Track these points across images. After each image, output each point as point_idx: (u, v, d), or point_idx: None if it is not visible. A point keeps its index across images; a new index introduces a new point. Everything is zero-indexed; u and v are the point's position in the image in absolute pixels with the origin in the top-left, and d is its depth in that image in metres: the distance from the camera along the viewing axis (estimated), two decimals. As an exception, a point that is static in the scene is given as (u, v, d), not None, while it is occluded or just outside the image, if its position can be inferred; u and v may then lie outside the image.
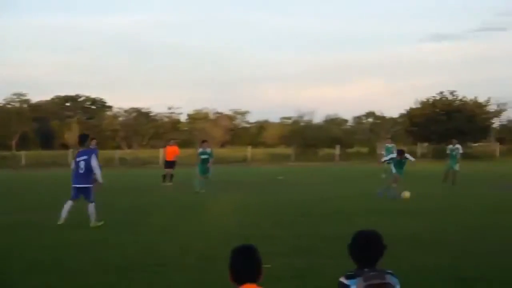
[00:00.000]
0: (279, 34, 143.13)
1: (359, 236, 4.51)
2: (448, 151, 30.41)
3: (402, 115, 69.20)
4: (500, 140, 70.52)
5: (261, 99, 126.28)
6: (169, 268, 10.37)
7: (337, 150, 62.63)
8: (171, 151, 31.11)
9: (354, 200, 21.19)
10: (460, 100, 63.89)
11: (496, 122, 70.24)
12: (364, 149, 70.81)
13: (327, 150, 65.25)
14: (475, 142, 67.81)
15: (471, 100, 63.71)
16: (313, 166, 50.90)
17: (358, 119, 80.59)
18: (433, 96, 64.77)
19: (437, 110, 63.38)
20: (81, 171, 15.39)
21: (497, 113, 67.57)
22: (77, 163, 15.47)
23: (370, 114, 76.14)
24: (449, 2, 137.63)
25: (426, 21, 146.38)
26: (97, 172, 15.54)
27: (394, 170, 23.27)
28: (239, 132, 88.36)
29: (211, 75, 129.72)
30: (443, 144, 63.48)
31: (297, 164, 54.62)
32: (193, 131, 73.30)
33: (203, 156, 25.63)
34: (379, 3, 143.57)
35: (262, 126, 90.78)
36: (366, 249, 4.42)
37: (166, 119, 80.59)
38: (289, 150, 65.32)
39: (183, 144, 77.47)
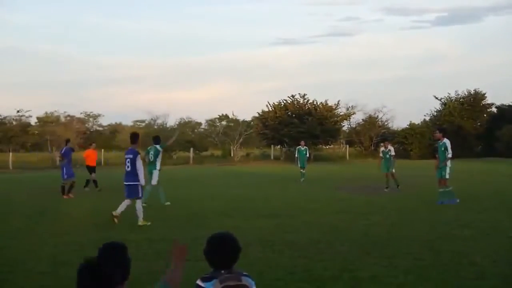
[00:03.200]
0: (128, 37, 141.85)
1: (214, 239, 4.47)
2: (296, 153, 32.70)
3: (255, 118, 69.83)
4: (349, 143, 73.04)
5: (113, 102, 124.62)
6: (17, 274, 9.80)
7: (191, 153, 62.54)
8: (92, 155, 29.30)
9: (207, 202, 21.12)
10: (311, 103, 65.28)
11: (345, 125, 72.53)
12: (218, 152, 71.13)
13: (181, 153, 65.12)
14: (326, 145, 69.75)
15: (321, 103, 65.25)
16: (168, 169, 50.49)
17: (211, 122, 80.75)
18: (285, 100, 65.87)
19: (289, 113, 64.46)
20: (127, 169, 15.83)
21: (346, 116, 69.73)
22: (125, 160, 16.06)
23: (223, 117, 76.29)
24: (297, 8, 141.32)
25: (276, 25, 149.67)
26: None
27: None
28: (92, 136, 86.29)
29: (60, 78, 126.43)
30: (296, 147, 65.34)
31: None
32: (44, 134, 70.55)
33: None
34: (229, 6, 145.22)
35: (115, 129, 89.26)
36: (222, 252, 4.38)
37: (14, 123, 77.02)
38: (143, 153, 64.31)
39: (33, 148, 74.68)
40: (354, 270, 9.66)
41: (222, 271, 4.28)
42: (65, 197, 23.66)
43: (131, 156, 15.86)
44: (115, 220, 15.55)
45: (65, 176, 24.41)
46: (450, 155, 19.41)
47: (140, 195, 15.84)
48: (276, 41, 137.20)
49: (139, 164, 15.75)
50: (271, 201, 21.32)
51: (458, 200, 18.93)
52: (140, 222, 15.48)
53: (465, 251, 11.13)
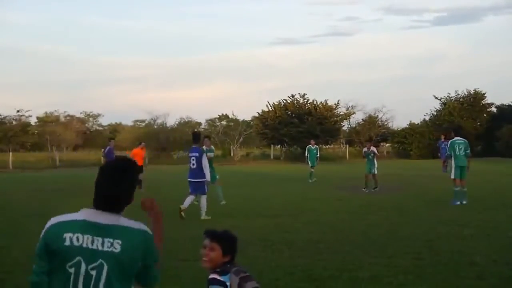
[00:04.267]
0: (128, 37, 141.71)
1: (230, 236, 4.58)
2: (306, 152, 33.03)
3: (254, 118, 69.78)
4: (349, 143, 72.97)
5: (113, 102, 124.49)
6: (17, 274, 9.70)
7: (191, 153, 62.23)
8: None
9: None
10: (311, 103, 65.20)
11: (345, 125, 72.46)
12: (218, 152, 71.10)
13: (182, 153, 65.07)
14: (325, 144, 69.69)
15: (321, 103, 65.18)
16: (169, 169, 50.47)
17: (211, 121, 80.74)
18: (285, 99, 65.80)
19: (289, 113, 64.38)
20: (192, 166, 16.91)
21: (346, 116, 69.69)
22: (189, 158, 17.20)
23: (223, 117, 76.25)
24: (297, 7, 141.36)
25: (276, 25, 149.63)
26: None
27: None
28: (92, 135, 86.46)
29: (60, 77, 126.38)
30: (295, 147, 65.24)
31: (152, 167, 53.88)
32: (44, 134, 70.59)
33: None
34: (229, 5, 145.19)
35: (115, 129, 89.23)
36: (235, 248, 4.53)
37: (14, 122, 76.84)
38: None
39: (33, 148, 74.63)
40: (353, 269, 9.66)
41: (228, 265, 4.40)
42: None
43: (196, 154, 16.95)
44: (182, 214, 16.39)
45: None
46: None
47: (206, 190, 16.98)
48: (276, 41, 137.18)
49: (205, 161, 16.86)
50: (271, 201, 21.30)
51: (458, 202, 18.93)
52: (203, 217, 16.55)
53: (464, 251, 11.12)
